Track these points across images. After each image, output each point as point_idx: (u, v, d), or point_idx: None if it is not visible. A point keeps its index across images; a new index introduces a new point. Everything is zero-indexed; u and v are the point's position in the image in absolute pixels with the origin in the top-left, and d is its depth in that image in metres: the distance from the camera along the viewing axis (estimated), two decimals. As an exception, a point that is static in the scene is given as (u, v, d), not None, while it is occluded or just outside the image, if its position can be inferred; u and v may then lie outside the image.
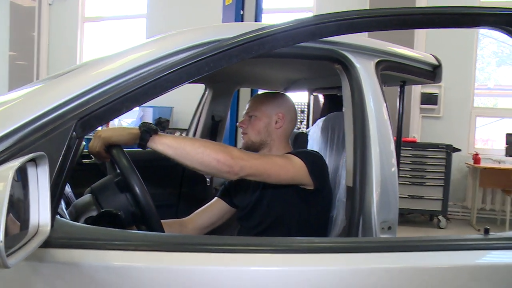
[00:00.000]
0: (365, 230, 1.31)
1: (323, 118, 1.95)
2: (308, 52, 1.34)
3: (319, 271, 0.92)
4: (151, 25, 7.10)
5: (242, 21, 3.90)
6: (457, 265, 0.88)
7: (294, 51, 1.31)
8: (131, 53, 1.00)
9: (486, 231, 0.97)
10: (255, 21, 3.97)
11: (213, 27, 1.16)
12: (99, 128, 1.20)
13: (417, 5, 5.81)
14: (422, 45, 6.03)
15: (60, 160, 0.70)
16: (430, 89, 6.01)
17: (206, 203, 2.25)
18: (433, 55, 1.78)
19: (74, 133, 0.74)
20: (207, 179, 2.48)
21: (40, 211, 0.62)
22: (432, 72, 1.74)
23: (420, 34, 6.01)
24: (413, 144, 5.53)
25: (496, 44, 6.73)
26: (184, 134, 5.27)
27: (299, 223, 1.58)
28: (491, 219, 5.94)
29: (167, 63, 0.80)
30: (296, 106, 1.82)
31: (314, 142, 1.95)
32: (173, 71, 0.78)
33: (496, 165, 5.67)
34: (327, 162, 1.71)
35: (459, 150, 5.57)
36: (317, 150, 1.86)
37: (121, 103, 0.77)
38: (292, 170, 1.50)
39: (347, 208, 1.37)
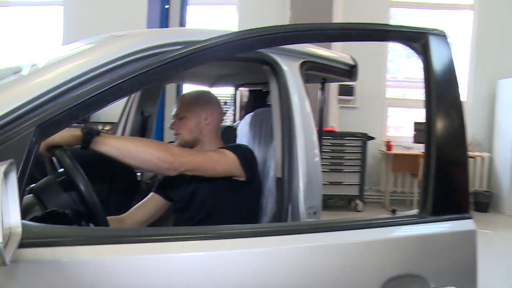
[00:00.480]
0: (293, 216, 1.45)
1: (251, 114, 2.07)
2: (240, 56, 1.45)
3: (246, 253, 1.02)
4: (69, 13, 6.77)
5: (167, 15, 3.90)
6: (371, 240, 1.05)
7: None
8: (82, 57, 1.04)
9: (393, 211, 1.15)
10: (181, 14, 3.99)
11: (164, 31, 1.24)
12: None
13: (334, 15, 6.15)
14: (339, 49, 6.37)
15: (21, 165, 0.75)
16: (346, 81, 6.37)
17: (137, 197, 2.29)
18: (350, 56, 1.96)
19: (33, 138, 0.79)
20: (138, 174, 2.51)
21: (10, 214, 0.67)
22: (349, 71, 1.91)
23: (337, 43, 6.34)
24: (332, 133, 5.85)
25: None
26: (107, 128, 5.17)
27: (233, 212, 1.69)
28: (402, 200, 6.46)
29: (120, 73, 0.87)
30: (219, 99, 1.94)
31: (244, 136, 2.07)
32: (127, 79, 0.85)
33: (406, 151, 6.16)
34: (256, 154, 1.83)
35: (373, 138, 5.99)
36: (246, 144, 1.99)
37: (79, 109, 0.82)
38: (225, 163, 1.61)
39: (277, 197, 1.50)
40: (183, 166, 1.45)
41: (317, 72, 1.77)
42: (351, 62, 1.92)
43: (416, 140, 6.25)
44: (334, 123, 6.28)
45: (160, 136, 3.70)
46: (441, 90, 1.17)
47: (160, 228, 1.70)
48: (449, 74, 1.19)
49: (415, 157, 5.89)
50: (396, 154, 6.10)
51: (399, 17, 7.10)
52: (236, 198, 1.70)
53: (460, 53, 6.81)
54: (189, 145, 1.79)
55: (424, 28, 1.20)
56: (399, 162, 6.13)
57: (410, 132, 6.37)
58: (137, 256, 0.91)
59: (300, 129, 1.52)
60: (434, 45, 1.19)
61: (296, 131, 1.51)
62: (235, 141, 2.10)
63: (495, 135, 6.46)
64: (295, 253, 1.02)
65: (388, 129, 6.75)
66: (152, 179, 2.48)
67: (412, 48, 1.21)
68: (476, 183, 6.47)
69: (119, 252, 0.90)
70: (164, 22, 3.83)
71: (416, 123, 6.34)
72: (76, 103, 0.82)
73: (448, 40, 1.24)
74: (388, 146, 6.19)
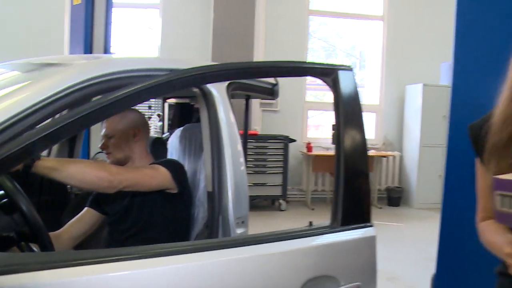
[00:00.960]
0: (223, 227, 1.60)
1: (181, 129, 2.20)
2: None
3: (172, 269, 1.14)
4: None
5: (92, 22, 3.88)
6: (291, 249, 1.23)
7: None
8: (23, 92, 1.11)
9: (310, 223, 1.35)
10: (106, 20, 3.97)
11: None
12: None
13: (256, 22, 6.42)
14: (262, 45, 6.63)
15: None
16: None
17: (68, 209, 2.33)
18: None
19: None
20: (68, 186, 2.53)
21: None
22: (271, 90, 2.09)
23: (261, 36, 6.59)
24: (255, 137, 6.08)
25: (323, 40, 7.71)
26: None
27: (166, 223, 1.82)
28: (322, 198, 6.86)
29: (79, 111, 0.96)
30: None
31: (174, 150, 2.19)
32: (82, 116, 0.95)
33: (325, 152, 6.55)
34: (186, 167, 1.97)
35: (294, 140, 6.31)
36: (177, 157, 2.11)
37: (35, 146, 0.90)
38: (159, 178, 1.73)
39: (208, 209, 1.65)
40: (121, 184, 1.56)
41: (242, 92, 1.94)
42: (273, 82, 2.11)
43: (335, 141, 6.63)
44: (257, 126, 6.51)
45: (86, 147, 3.67)
46: (347, 117, 1.38)
47: (115, 249, 1.78)
48: (354, 103, 1.41)
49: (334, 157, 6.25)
50: (316, 155, 6.47)
51: (317, 24, 7.51)
52: (169, 209, 1.83)
53: (373, 60, 7.35)
54: (121, 162, 1.88)
55: (334, 65, 1.41)
56: (319, 162, 6.50)
57: (329, 134, 6.76)
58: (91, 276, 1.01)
59: (228, 145, 1.66)
60: (343, 78, 1.39)
61: (224, 148, 1.66)
62: (165, 153, 2.22)
63: (404, 135, 7.06)
64: (222, 266, 1.17)
65: (309, 127, 7.10)
66: (82, 191, 2.52)
67: (325, 81, 1.42)
68: (389, 180, 7.03)
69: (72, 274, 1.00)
70: (88, 31, 3.82)
71: (334, 125, 6.72)
72: (32, 141, 0.91)
73: (353, 73, 1.46)
74: (309, 147, 6.54)
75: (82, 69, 1.26)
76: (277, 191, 6.18)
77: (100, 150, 1.99)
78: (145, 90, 1.09)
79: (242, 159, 1.69)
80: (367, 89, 7.56)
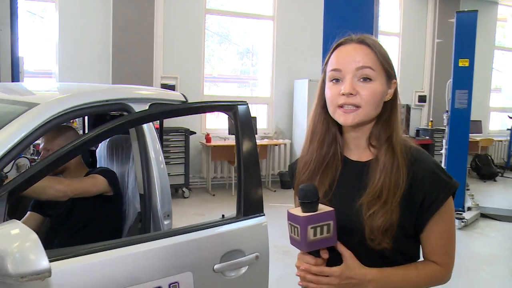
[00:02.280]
0: (154, 221, 2.08)
1: (107, 140, 2.58)
2: (107, 108, 1.99)
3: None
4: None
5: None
6: (209, 235, 1.75)
7: (100, 109, 1.94)
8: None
9: (223, 216, 1.88)
10: (11, 24, 4.07)
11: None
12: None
13: (155, 20, 6.84)
14: (161, 41, 6.96)
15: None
16: (168, 80, 7.02)
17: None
18: (182, 94, 2.62)
19: (7, 205, 1.24)
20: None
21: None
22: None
23: (159, 33, 6.91)
24: (158, 130, 6.41)
25: (219, 39, 8.22)
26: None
27: (105, 220, 2.24)
28: (222, 184, 7.46)
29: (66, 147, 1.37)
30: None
31: (102, 158, 2.58)
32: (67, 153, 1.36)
33: (223, 142, 7.13)
34: (116, 172, 2.39)
35: (194, 132, 6.79)
36: (105, 165, 2.52)
37: (39, 175, 1.29)
38: (99, 184, 2.15)
39: (141, 208, 2.10)
40: (72, 193, 1.97)
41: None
42: (183, 99, 2.59)
43: (231, 131, 7.24)
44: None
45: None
46: (244, 139, 1.93)
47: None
48: (249, 129, 1.96)
49: (231, 147, 6.88)
50: (214, 146, 7.02)
51: (213, 23, 7.99)
52: (106, 209, 2.25)
53: (265, 56, 8.03)
54: (59, 173, 2.25)
55: (234, 101, 1.94)
56: (218, 152, 7.07)
57: (225, 125, 7.32)
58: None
59: (152, 150, 2.11)
60: (240, 111, 1.94)
61: (150, 156, 2.10)
62: (95, 161, 2.61)
63: (294, 125, 7.88)
64: (152, 254, 1.65)
65: (207, 122, 7.61)
66: None
67: (228, 114, 1.95)
68: (281, 165, 7.81)
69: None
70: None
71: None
72: (37, 171, 1.31)
73: (247, 106, 2.00)
74: (208, 138, 7.06)
75: (46, 108, 1.64)
76: (180, 180, 6.64)
77: (21, 155, 2.33)
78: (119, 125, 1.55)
79: (161, 157, 2.15)
80: (259, 83, 8.26)
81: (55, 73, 6.68)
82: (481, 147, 9.36)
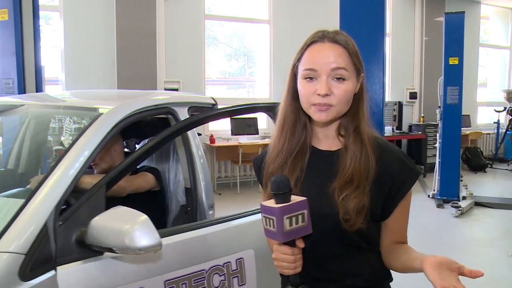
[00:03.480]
0: (200, 211, 2.35)
1: (146, 141, 2.85)
2: (156, 112, 2.26)
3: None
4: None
5: (22, 38, 4.19)
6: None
7: (151, 113, 2.21)
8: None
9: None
10: (34, 35, 4.30)
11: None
12: None
13: (157, 25, 7.05)
14: (163, 46, 7.21)
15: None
16: (171, 84, 7.28)
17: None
18: (212, 97, 2.90)
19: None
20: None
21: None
22: (212, 107, 2.85)
23: (161, 38, 7.16)
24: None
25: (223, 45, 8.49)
26: None
27: (153, 212, 2.49)
28: (226, 183, 7.73)
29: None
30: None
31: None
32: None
33: (226, 143, 7.40)
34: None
35: (200, 134, 7.02)
36: (147, 163, 2.79)
37: (127, 168, 1.59)
38: (150, 181, 2.42)
39: (187, 200, 2.36)
40: (130, 189, 2.24)
41: (196, 111, 2.67)
42: (213, 102, 2.87)
43: (234, 133, 7.52)
44: (165, 122, 7.07)
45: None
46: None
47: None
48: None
49: (234, 147, 7.16)
50: (218, 146, 7.29)
51: (212, 27, 8.26)
52: (152, 203, 2.52)
53: (263, 58, 8.33)
54: (106, 171, 2.50)
55: (274, 103, 2.22)
56: (221, 152, 7.34)
57: (228, 126, 7.58)
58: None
59: (195, 148, 2.39)
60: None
61: (194, 151, 2.37)
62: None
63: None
64: (222, 234, 1.93)
65: (210, 124, 7.85)
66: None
67: (268, 114, 2.24)
68: (280, 163, 8.10)
69: None
70: (19, 46, 4.16)
71: (232, 119, 7.59)
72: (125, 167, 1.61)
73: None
74: (212, 139, 7.33)
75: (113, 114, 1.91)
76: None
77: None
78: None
79: (201, 152, 2.41)
80: (258, 84, 8.55)
81: (62, 80, 6.88)
82: (471, 140, 9.77)
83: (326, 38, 1.22)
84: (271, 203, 1.09)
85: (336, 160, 1.24)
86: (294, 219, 1.07)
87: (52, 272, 1.39)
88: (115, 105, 1.95)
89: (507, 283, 3.86)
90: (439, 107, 6.48)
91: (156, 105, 2.21)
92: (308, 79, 1.20)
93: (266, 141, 7.71)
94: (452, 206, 5.93)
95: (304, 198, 1.10)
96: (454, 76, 6.30)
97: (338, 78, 1.18)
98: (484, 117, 11.28)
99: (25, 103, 2.44)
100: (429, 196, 6.81)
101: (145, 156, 1.78)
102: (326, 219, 1.19)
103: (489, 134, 10.65)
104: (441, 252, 4.58)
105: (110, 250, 1.41)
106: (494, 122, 10.41)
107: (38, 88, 4.35)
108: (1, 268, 1.28)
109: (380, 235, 1.29)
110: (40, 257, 1.37)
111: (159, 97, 2.43)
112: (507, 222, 5.76)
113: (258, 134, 7.78)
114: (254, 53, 8.66)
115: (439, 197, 6.50)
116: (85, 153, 1.66)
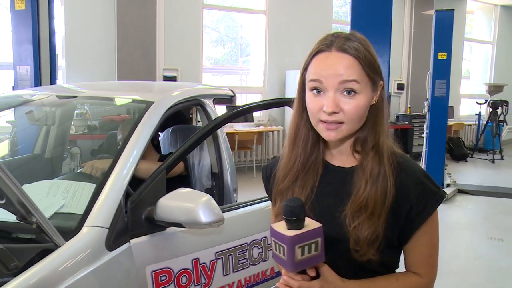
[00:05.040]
0: (226, 195, 2.62)
1: (169, 129, 3.10)
2: (189, 104, 2.50)
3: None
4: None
5: (38, 26, 4.36)
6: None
7: (185, 105, 2.46)
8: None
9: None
10: (49, 26, 4.47)
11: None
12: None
13: (157, 15, 7.23)
14: (162, 35, 7.38)
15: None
16: (170, 72, 7.47)
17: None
18: (231, 89, 3.16)
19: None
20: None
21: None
22: (231, 98, 3.10)
23: (161, 27, 7.33)
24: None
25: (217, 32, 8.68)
26: None
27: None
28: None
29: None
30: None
31: (166, 144, 3.10)
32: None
33: (229, 130, 7.65)
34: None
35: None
36: (170, 150, 3.04)
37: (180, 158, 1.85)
38: (181, 166, 2.67)
39: (215, 184, 2.64)
40: (169, 174, 2.50)
41: (219, 103, 2.93)
42: (231, 94, 3.13)
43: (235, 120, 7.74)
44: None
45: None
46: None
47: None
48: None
49: (231, 134, 7.41)
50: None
51: (217, 19, 8.44)
52: (181, 186, 2.78)
53: (258, 48, 8.56)
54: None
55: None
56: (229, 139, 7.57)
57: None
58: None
59: (221, 136, 2.65)
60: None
61: (220, 141, 2.64)
62: (159, 148, 3.13)
63: (285, 112, 8.46)
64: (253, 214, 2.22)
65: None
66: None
67: (291, 107, 2.51)
68: (275, 150, 8.40)
69: None
70: (36, 35, 4.32)
71: (228, 106, 7.82)
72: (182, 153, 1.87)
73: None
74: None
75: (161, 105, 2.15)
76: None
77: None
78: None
79: (225, 137, 2.66)
80: (252, 73, 8.80)
81: (62, 66, 7.00)
82: (454, 131, 10.21)
83: (333, 46, 1.06)
84: (282, 228, 0.97)
85: (350, 179, 1.11)
86: (306, 248, 0.96)
87: (127, 244, 1.66)
88: (159, 97, 2.20)
89: (487, 262, 4.26)
90: (427, 99, 6.83)
91: (190, 97, 2.47)
92: (315, 91, 1.07)
93: (260, 128, 7.99)
94: (437, 193, 6.32)
95: (319, 225, 0.97)
96: (442, 70, 6.65)
97: (349, 92, 1.04)
98: (466, 108, 11.76)
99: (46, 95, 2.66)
100: (415, 183, 7.20)
101: (197, 145, 2.04)
102: (335, 245, 1.08)
103: (470, 125, 11.13)
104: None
105: (177, 225, 1.68)
106: (476, 114, 10.87)
107: (53, 75, 4.55)
108: (93, 238, 1.55)
109: (399, 259, 1.19)
110: (118, 231, 1.63)
111: (189, 89, 2.69)
112: (487, 208, 6.19)
113: (253, 122, 8.06)
114: (248, 42, 8.88)
115: (425, 184, 6.89)
116: (142, 140, 1.92)
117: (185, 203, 1.67)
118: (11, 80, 4.67)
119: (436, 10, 6.80)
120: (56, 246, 1.45)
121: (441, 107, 6.74)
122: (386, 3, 3.26)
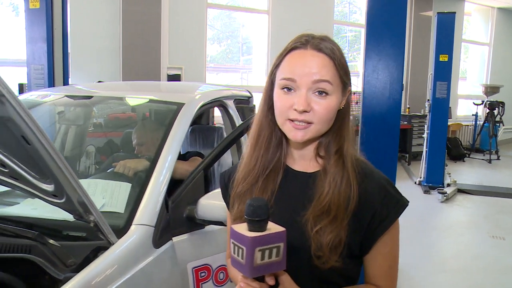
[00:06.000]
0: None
1: (191, 128, 3.18)
2: (212, 105, 2.58)
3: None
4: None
5: (52, 26, 4.40)
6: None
7: (209, 106, 2.53)
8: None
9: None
10: (63, 25, 4.52)
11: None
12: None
13: (162, 16, 7.23)
14: (166, 34, 7.43)
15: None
16: (174, 71, 7.53)
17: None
18: (248, 90, 3.24)
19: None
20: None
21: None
22: (248, 99, 3.19)
23: (165, 26, 7.38)
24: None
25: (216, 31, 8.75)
26: None
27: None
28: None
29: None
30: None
31: (185, 142, 3.18)
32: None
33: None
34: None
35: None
36: (190, 148, 3.12)
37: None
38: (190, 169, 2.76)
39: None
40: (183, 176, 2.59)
41: (239, 103, 3.01)
42: (249, 95, 3.22)
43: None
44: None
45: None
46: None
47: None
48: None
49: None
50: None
51: (213, 16, 8.50)
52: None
53: (261, 47, 8.64)
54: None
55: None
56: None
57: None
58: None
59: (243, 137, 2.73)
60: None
61: (241, 140, 2.72)
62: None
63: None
64: None
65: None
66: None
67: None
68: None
69: None
70: (50, 34, 4.37)
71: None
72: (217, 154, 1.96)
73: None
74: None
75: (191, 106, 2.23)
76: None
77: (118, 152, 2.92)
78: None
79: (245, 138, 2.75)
80: (254, 72, 8.88)
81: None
82: (452, 131, 10.36)
83: (309, 44, 1.05)
84: (243, 229, 0.92)
85: (312, 184, 1.08)
86: (267, 252, 0.90)
87: (170, 242, 1.74)
88: (188, 99, 2.28)
89: (488, 259, 4.39)
90: (428, 100, 6.95)
91: (215, 99, 2.56)
92: (286, 89, 1.04)
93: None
94: (439, 192, 6.47)
95: (282, 229, 0.92)
96: (443, 72, 6.77)
97: (320, 93, 1.03)
98: (463, 109, 11.92)
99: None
100: (415, 183, 7.34)
101: (229, 147, 2.13)
102: (296, 252, 1.03)
103: (467, 125, 11.29)
104: (431, 233, 5.10)
105: (218, 223, 1.76)
106: (473, 115, 11.03)
107: (65, 74, 4.59)
108: (142, 235, 1.63)
109: (359, 271, 1.14)
110: (162, 229, 1.72)
111: (213, 90, 2.78)
112: (487, 207, 6.33)
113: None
114: (250, 41, 8.96)
115: (425, 184, 7.03)
116: (178, 141, 2.00)
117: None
118: (21, 78, 4.69)
119: (438, 13, 6.91)
120: (110, 244, 1.53)
121: (441, 108, 6.87)
122: (400, 7, 3.30)
